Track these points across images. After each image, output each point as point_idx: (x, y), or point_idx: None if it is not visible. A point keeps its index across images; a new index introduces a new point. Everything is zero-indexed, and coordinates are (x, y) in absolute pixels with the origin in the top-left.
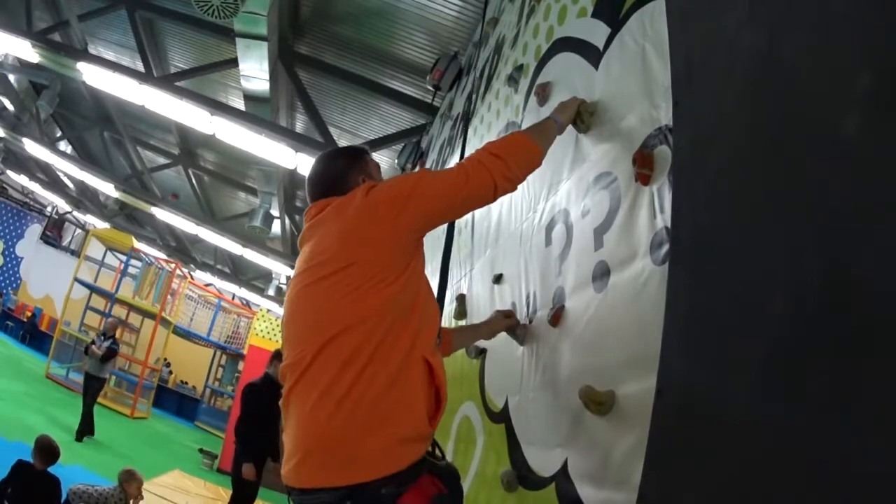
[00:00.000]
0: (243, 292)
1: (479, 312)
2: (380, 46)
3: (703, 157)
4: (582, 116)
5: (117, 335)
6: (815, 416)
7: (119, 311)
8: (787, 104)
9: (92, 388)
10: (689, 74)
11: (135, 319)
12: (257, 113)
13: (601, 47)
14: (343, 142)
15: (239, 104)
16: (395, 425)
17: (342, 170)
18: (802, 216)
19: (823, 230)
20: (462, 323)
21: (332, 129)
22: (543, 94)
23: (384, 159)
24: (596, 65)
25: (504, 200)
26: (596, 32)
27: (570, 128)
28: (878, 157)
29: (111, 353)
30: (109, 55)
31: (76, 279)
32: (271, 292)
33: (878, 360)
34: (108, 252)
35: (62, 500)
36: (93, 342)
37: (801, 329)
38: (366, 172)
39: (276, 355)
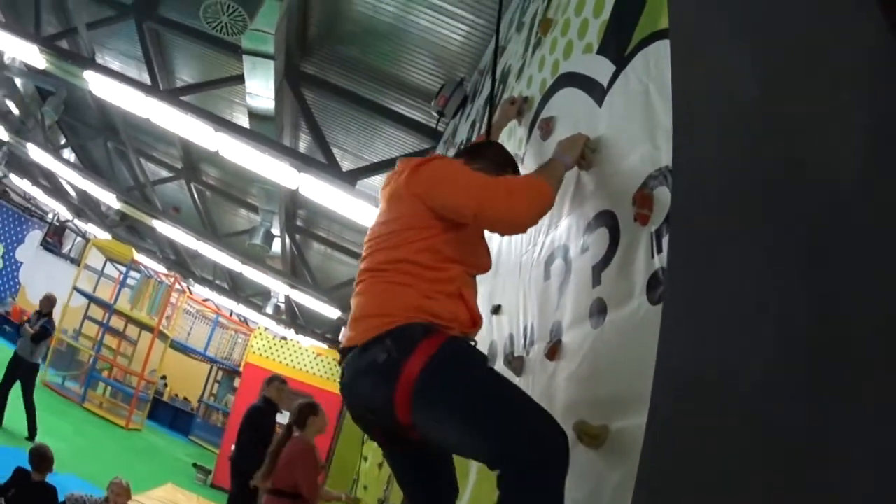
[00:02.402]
0: (241, 309)
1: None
2: (386, 69)
3: (701, 202)
4: (584, 154)
5: (116, 347)
6: (801, 458)
7: (117, 322)
8: (785, 152)
9: (25, 376)
10: (690, 120)
11: (132, 331)
12: (262, 131)
13: (605, 85)
14: (346, 163)
15: (243, 121)
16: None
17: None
18: (795, 271)
19: (815, 279)
20: None
21: (335, 150)
22: (547, 128)
23: None
24: (600, 102)
25: None
26: (601, 69)
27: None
28: (871, 207)
29: (44, 334)
30: (116, 65)
31: (75, 288)
32: (269, 310)
33: (860, 403)
34: (108, 263)
35: None
36: (28, 320)
37: (786, 379)
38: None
39: (271, 379)
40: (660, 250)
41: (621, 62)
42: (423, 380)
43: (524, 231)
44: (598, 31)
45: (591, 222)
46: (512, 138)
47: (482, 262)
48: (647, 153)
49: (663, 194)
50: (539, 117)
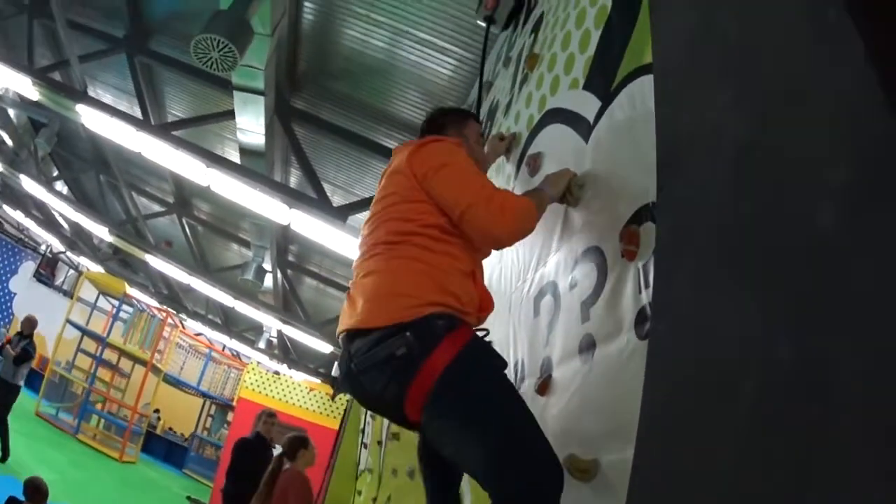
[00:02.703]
0: (234, 343)
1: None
2: (375, 104)
3: (686, 241)
4: (572, 190)
5: (109, 380)
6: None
7: (110, 355)
8: (767, 194)
9: (4, 398)
10: (674, 159)
11: (125, 364)
12: (252, 166)
13: (591, 121)
14: (336, 198)
15: (235, 156)
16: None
17: (447, 120)
18: (778, 306)
19: (799, 318)
20: None
21: (326, 186)
22: (535, 164)
23: None
24: (586, 138)
25: (494, 268)
26: (587, 105)
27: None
28: (851, 250)
29: (25, 356)
30: (108, 98)
31: (68, 321)
32: (262, 345)
33: (838, 451)
34: (101, 296)
35: None
36: (9, 342)
37: (770, 415)
38: (459, 132)
39: (261, 414)
40: (647, 286)
41: (607, 98)
42: (443, 380)
43: (495, 248)
44: (583, 67)
45: (579, 258)
46: (500, 174)
47: None
48: (633, 189)
49: (650, 230)
50: (527, 154)
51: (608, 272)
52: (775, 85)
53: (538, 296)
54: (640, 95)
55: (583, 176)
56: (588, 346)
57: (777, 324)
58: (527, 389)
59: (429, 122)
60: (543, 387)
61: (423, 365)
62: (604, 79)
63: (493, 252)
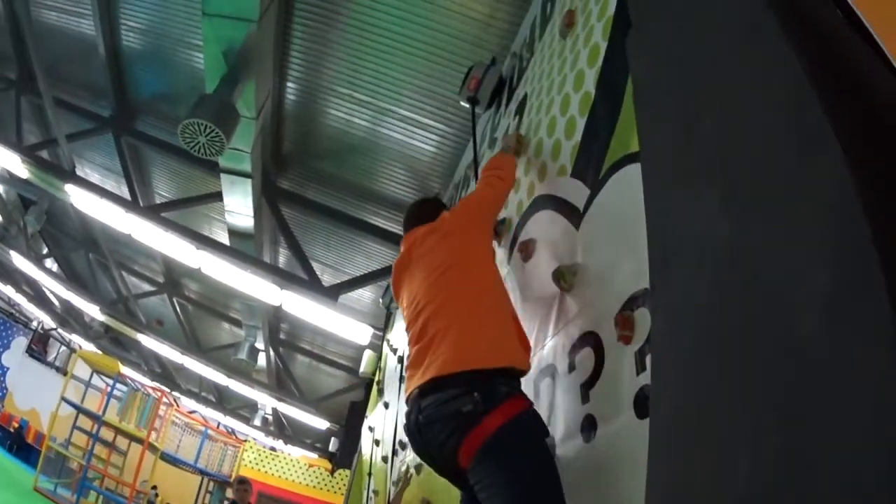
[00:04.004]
0: (229, 420)
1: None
2: (361, 182)
3: (678, 338)
4: (565, 276)
5: (106, 457)
6: None
7: (106, 434)
8: (750, 299)
9: None
10: (664, 260)
11: (121, 442)
12: (241, 248)
13: (581, 208)
14: (326, 277)
15: (223, 237)
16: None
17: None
18: (760, 405)
19: (781, 422)
20: None
21: (315, 265)
22: (527, 251)
23: (368, 294)
24: (577, 225)
25: None
26: (576, 193)
27: (553, 287)
28: (828, 357)
29: None
30: (95, 177)
31: (63, 399)
32: (257, 422)
33: None
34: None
35: None
36: None
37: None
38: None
39: (235, 482)
40: (643, 369)
41: (595, 185)
42: (497, 437)
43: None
44: (570, 154)
45: (576, 343)
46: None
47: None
48: (625, 276)
49: (643, 316)
50: (518, 239)
51: (605, 356)
52: (757, 182)
53: (537, 378)
54: (627, 183)
55: (575, 264)
56: (590, 425)
57: (761, 422)
58: None
59: (422, 209)
60: None
61: (484, 420)
62: (591, 166)
63: None
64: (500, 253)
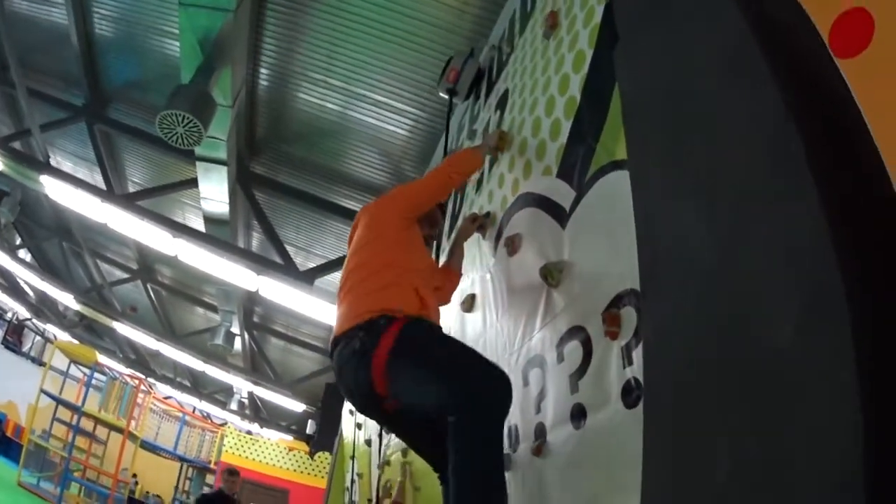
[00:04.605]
0: (205, 405)
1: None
2: (333, 166)
3: (666, 346)
4: (552, 273)
5: (87, 447)
6: None
7: (86, 424)
8: (732, 315)
9: None
10: (654, 272)
11: (101, 432)
12: (216, 234)
13: (567, 209)
14: (299, 259)
15: (198, 223)
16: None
17: None
18: (745, 418)
19: (761, 430)
20: None
21: (288, 248)
22: (513, 245)
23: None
24: (563, 224)
25: (479, 337)
26: (562, 193)
27: (541, 282)
28: (805, 368)
29: None
30: (68, 166)
31: (42, 390)
32: (234, 406)
33: None
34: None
35: None
36: None
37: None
38: None
39: (224, 472)
40: (630, 363)
41: (581, 188)
42: (394, 354)
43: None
44: (556, 155)
45: (564, 336)
46: (478, 251)
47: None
48: (611, 276)
49: (629, 314)
50: (503, 234)
51: (593, 349)
52: (740, 199)
53: (526, 367)
54: (613, 189)
55: (561, 261)
56: (579, 413)
57: (742, 431)
58: (524, 452)
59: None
60: (539, 449)
61: (375, 352)
62: (577, 169)
63: (478, 321)
64: (485, 245)
